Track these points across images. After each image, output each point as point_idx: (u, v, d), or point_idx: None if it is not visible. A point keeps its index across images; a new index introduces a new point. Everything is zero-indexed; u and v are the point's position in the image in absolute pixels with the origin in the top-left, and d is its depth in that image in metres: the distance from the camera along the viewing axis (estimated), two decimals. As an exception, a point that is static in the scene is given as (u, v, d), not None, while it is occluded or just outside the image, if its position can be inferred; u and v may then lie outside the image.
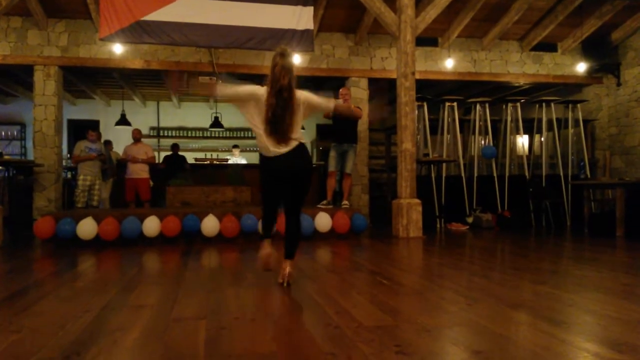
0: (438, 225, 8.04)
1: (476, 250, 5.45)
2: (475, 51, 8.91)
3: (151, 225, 5.54)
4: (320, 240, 5.93)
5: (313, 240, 5.90)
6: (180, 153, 9.52)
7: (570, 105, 8.87)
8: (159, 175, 8.42)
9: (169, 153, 9.53)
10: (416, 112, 7.53)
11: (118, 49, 7.65)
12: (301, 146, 3.12)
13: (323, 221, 5.92)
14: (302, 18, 7.23)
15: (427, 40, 8.52)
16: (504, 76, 9.00)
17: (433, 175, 8.20)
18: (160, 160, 9.53)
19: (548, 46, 9.08)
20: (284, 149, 3.05)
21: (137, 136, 8.10)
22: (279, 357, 1.90)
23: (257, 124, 3.07)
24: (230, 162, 9.86)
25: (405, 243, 5.88)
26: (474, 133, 8.76)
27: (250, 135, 12.69)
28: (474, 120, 8.69)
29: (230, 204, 7.01)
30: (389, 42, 8.53)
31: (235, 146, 10.94)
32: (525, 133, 9.22)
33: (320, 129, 12.73)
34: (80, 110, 12.05)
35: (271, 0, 7.13)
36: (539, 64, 9.12)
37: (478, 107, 8.61)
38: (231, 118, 11.66)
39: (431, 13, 6.73)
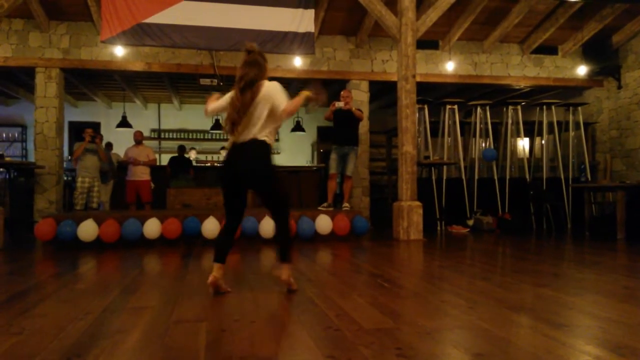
0: (439, 228, 8.04)
1: (477, 252, 5.45)
2: (476, 54, 8.92)
3: (152, 227, 5.54)
4: (320, 243, 5.93)
5: (314, 243, 5.90)
6: (186, 155, 9.50)
7: (571, 108, 8.87)
8: (163, 177, 8.41)
9: (174, 155, 9.49)
10: (417, 114, 7.54)
11: (119, 51, 7.67)
12: (256, 142, 2.91)
13: (324, 223, 5.92)
14: (303, 21, 7.24)
15: (428, 43, 8.53)
16: (505, 79, 9.01)
17: (434, 177, 8.20)
18: (165, 162, 9.51)
19: (549, 49, 9.09)
20: (240, 140, 2.93)
21: (139, 138, 8.10)
22: (279, 359, 1.90)
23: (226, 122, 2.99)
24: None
25: (406, 245, 5.88)
26: (474, 136, 8.76)
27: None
28: (475, 123, 8.70)
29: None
30: (390, 44, 8.55)
31: (222, 148, 11.10)
32: (526, 136, 9.23)
33: (321, 131, 12.74)
34: (82, 113, 12.08)
35: (272, 3, 7.15)
36: (540, 67, 9.13)
37: (479, 109, 8.62)
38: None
39: (432, 16, 6.74)
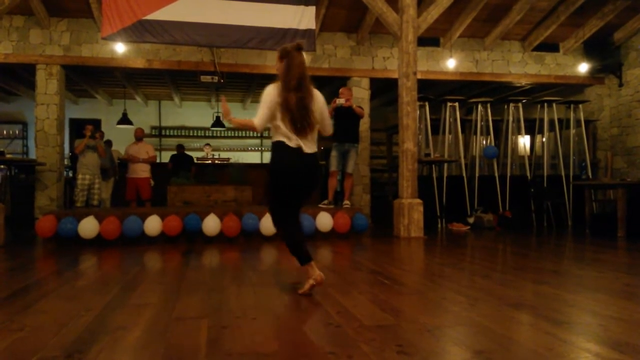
0: (439, 225, 8.04)
1: (477, 250, 5.45)
2: (477, 51, 8.90)
3: (153, 224, 5.54)
4: (321, 240, 5.93)
5: (314, 240, 5.90)
6: (187, 152, 9.60)
7: (572, 106, 8.86)
8: (164, 175, 8.43)
9: (174, 152, 9.60)
10: (418, 112, 7.53)
11: (120, 48, 7.66)
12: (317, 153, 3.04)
13: (324, 221, 5.92)
14: (304, 18, 7.23)
15: (429, 40, 8.51)
16: (506, 76, 8.99)
17: (434, 175, 8.19)
18: (166, 160, 9.59)
19: (550, 46, 9.06)
20: (310, 147, 2.93)
21: (139, 135, 8.11)
22: (280, 356, 1.90)
23: (285, 123, 2.87)
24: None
25: (407, 243, 5.88)
26: (475, 133, 8.75)
27: (251, 134, 12.68)
28: (476, 120, 8.68)
29: (231, 204, 7.02)
30: (391, 42, 8.53)
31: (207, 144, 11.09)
32: (526, 133, 9.21)
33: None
34: (82, 109, 12.08)
35: (273, 0, 7.13)
36: (541, 64, 9.11)
37: (480, 107, 8.60)
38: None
39: (433, 13, 6.73)
